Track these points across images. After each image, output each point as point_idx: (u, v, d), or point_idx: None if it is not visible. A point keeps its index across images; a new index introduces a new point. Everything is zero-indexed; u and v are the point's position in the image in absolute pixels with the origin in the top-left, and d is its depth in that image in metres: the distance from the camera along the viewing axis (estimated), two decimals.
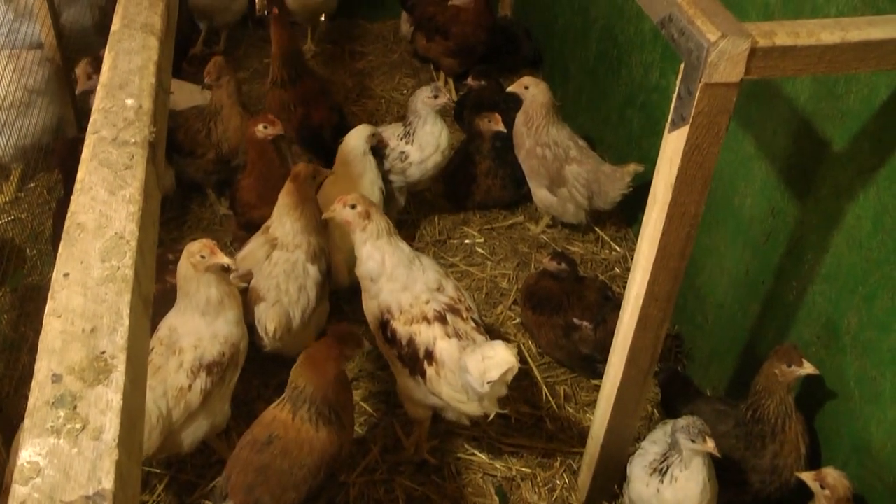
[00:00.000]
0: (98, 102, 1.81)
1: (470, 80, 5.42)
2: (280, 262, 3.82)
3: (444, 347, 3.34)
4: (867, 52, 2.20)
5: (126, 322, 1.38)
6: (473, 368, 3.15)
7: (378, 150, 4.56)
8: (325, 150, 4.84)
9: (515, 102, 4.84)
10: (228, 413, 3.53)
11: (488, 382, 3.11)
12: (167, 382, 3.28)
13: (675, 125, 2.33)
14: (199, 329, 3.37)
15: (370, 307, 3.56)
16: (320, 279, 3.90)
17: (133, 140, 1.72)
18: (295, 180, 3.88)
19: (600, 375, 3.45)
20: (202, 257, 3.28)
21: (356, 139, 4.43)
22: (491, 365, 3.11)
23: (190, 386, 3.30)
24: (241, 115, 4.64)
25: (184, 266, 3.32)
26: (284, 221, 3.89)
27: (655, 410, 3.96)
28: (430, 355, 3.36)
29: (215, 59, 4.61)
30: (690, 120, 2.25)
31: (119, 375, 1.29)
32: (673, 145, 2.36)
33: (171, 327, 3.39)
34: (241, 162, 4.63)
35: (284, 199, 3.89)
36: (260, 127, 4.23)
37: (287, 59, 4.96)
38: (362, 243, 3.48)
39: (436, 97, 4.56)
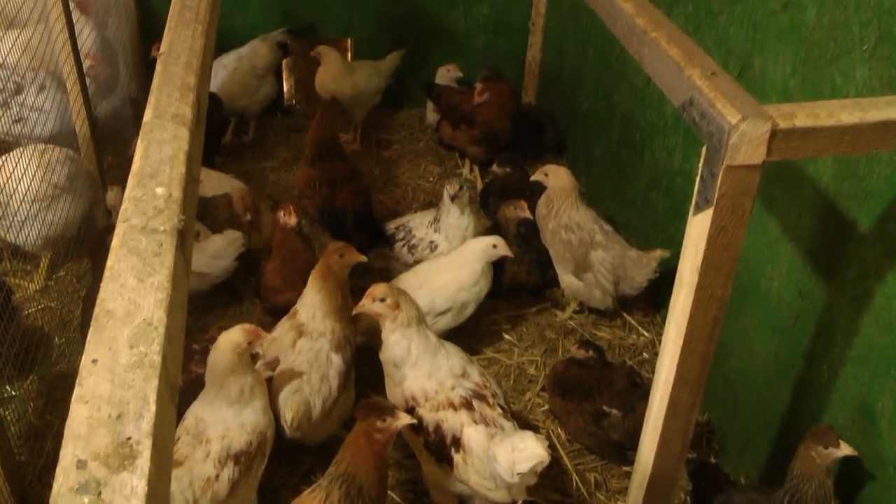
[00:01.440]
0: (129, 191, 1.85)
1: (495, 167, 5.50)
2: (304, 350, 3.83)
3: (472, 435, 3.31)
4: (887, 131, 2.21)
5: (153, 408, 1.38)
6: (503, 459, 3.12)
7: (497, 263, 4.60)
8: (345, 235, 4.88)
9: (540, 188, 4.88)
10: (256, 502, 3.51)
11: (518, 474, 3.08)
12: (193, 472, 3.26)
13: (700, 208, 2.33)
14: (226, 419, 3.37)
15: (394, 394, 3.55)
16: (343, 368, 3.88)
17: (162, 228, 1.75)
18: (323, 256, 3.93)
19: (631, 462, 3.39)
20: (249, 343, 3.32)
21: (476, 249, 4.48)
22: (521, 458, 3.08)
23: (217, 476, 3.28)
24: (270, 214, 4.74)
25: (226, 357, 3.33)
26: (308, 299, 3.92)
27: (688, 498, 3.88)
28: (457, 442, 3.33)
29: (241, 195, 4.76)
30: (714, 202, 2.25)
31: (144, 461, 1.29)
32: (698, 228, 2.37)
33: (197, 417, 3.39)
34: (267, 249, 4.69)
35: (312, 276, 3.94)
36: (281, 214, 4.34)
37: (321, 140, 5.08)
38: (391, 332, 3.49)
39: (454, 188, 4.64)
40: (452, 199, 4.65)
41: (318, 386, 3.78)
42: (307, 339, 3.86)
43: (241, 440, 3.36)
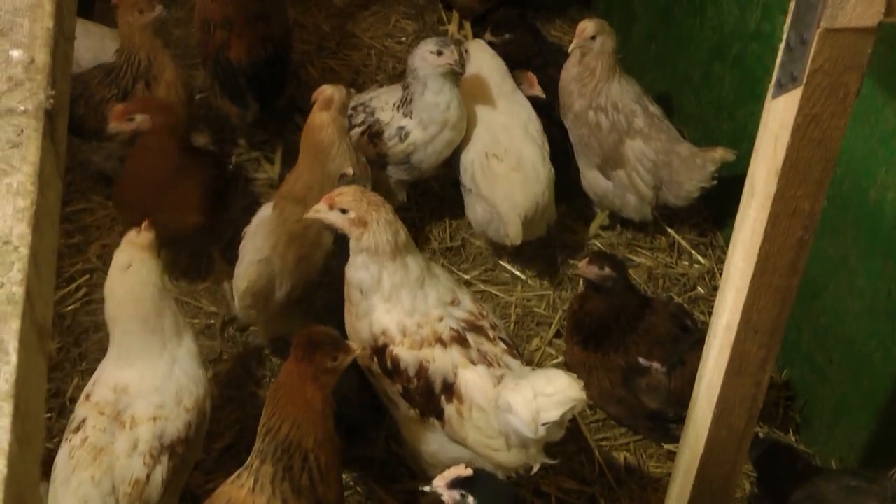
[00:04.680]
0: None
1: (489, 36, 5.42)
2: (290, 220, 3.99)
3: (470, 378, 3.36)
4: None
5: (13, 359, 1.38)
6: (522, 408, 3.16)
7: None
8: (241, 98, 4.89)
9: (555, 56, 4.84)
10: None
11: (544, 425, 3.13)
12: (115, 472, 3.19)
13: (783, 87, 2.33)
14: (159, 384, 3.32)
15: (358, 328, 3.51)
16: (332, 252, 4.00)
17: (22, 108, 1.73)
18: (326, 107, 4.05)
19: (675, 439, 3.44)
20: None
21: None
22: (548, 403, 3.12)
23: (149, 476, 3.22)
24: (175, 66, 4.65)
25: (152, 275, 3.36)
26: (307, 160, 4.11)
27: (755, 489, 3.94)
28: (449, 389, 3.37)
29: None
30: (804, 80, 2.25)
31: (2, 433, 1.30)
32: (779, 116, 2.36)
33: (118, 386, 3.32)
34: None
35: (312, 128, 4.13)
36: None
37: None
38: (357, 252, 3.46)
39: (440, 54, 4.53)
40: (441, 68, 4.56)
41: (292, 266, 3.95)
42: (297, 205, 3.99)
43: (179, 421, 3.31)
